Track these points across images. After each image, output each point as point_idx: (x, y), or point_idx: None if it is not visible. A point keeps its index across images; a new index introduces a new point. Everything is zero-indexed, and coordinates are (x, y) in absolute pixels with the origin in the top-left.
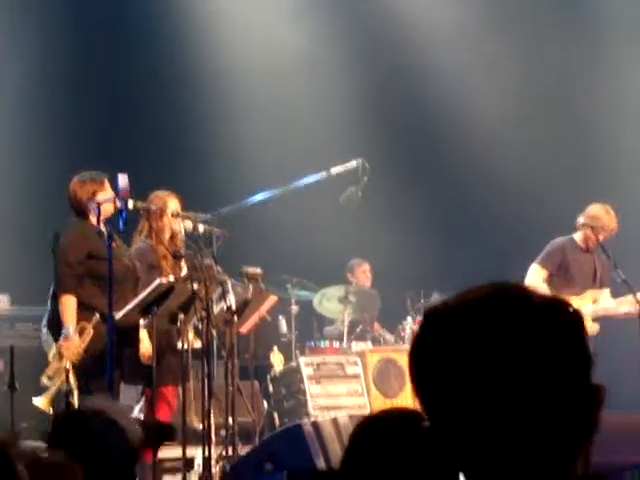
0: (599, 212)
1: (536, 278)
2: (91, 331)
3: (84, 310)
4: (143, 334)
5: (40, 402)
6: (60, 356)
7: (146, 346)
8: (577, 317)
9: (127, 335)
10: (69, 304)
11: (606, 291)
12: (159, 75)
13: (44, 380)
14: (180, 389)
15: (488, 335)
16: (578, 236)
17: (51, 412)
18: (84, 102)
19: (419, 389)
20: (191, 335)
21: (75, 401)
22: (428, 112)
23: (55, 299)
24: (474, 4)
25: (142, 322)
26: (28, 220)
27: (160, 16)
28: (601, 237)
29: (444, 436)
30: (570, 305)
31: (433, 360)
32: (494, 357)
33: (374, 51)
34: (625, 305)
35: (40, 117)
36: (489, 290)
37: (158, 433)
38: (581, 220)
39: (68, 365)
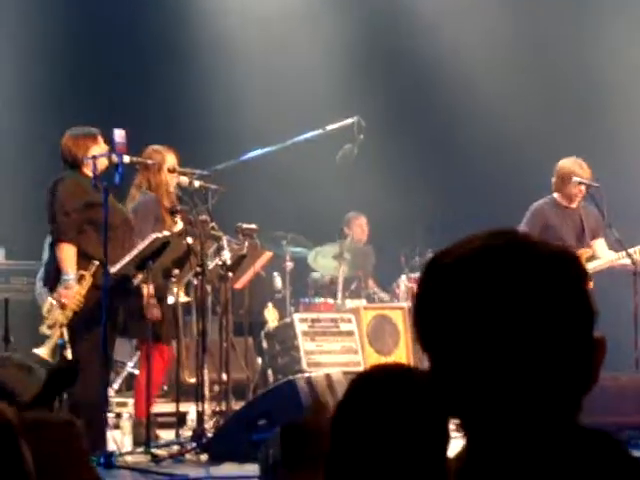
0: (571, 166)
1: None
2: (90, 279)
3: (82, 259)
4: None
5: (42, 352)
6: (60, 305)
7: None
8: (581, 267)
9: (122, 288)
10: (68, 252)
11: (600, 241)
12: (155, 30)
13: (44, 329)
14: (174, 344)
15: (492, 283)
16: (558, 195)
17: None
18: (82, 56)
19: (422, 336)
20: (177, 289)
21: (69, 354)
22: (423, 61)
23: (52, 250)
24: None
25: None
26: (22, 174)
27: None
28: (585, 189)
29: (445, 383)
30: (574, 255)
31: (437, 307)
32: (498, 305)
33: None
34: (621, 259)
35: (37, 68)
36: (494, 238)
37: (61, 376)
38: (558, 178)
39: (68, 314)
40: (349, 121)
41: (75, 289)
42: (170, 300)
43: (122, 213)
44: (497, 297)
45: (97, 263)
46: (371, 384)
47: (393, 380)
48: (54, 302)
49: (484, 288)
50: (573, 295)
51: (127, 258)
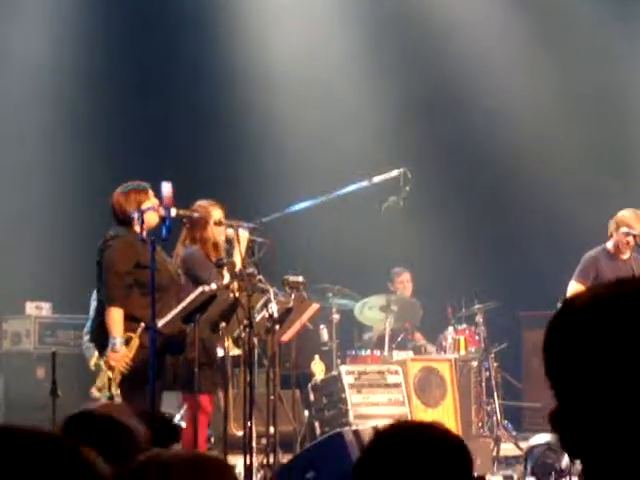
0: (628, 216)
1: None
2: (137, 341)
3: (130, 321)
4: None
5: None
6: (109, 367)
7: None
8: None
9: (171, 343)
10: (117, 316)
11: None
12: (202, 90)
13: (94, 392)
14: (219, 397)
15: (627, 332)
16: (610, 244)
17: None
18: (131, 113)
19: (551, 375)
20: (229, 342)
21: None
22: (474, 123)
23: (100, 309)
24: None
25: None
26: (70, 229)
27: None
28: (632, 241)
29: (573, 423)
30: None
31: (573, 349)
32: (630, 354)
33: (418, 59)
34: None
35: (88, 128)
36: (626, 285)
37: (164, 432)
38: (611, 227)
39: (116, 375)
40: (395, 173)
41: (123, 351)
42: (220, 352)
43: (170, 273)
44: (626, 344)
45: (143, 325)
46: (390, 441)
47: (416, 435)
48: (103, 365)
49: (620, 333)
50: None
51: (174, 312)
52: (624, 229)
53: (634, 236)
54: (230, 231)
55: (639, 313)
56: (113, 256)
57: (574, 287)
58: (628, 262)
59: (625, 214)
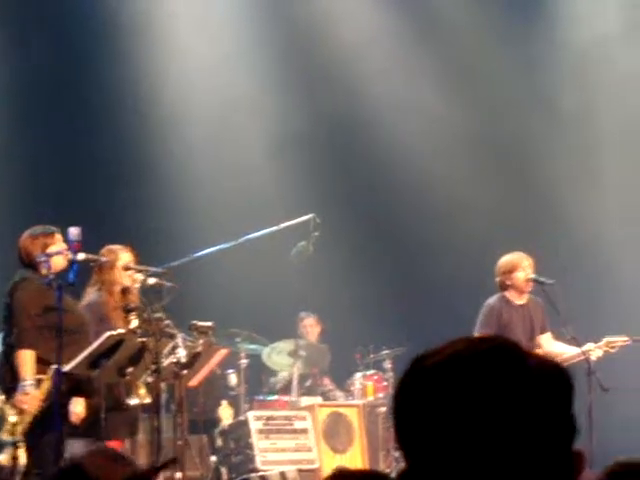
0: (509, 261)
1: None
2: (48, 383)
3: (41, 364)
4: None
5: (2, 458)
6: (19, 411)
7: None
8: (570, 385)
9: (78, 388)
10: (28, 358)
11: (547, 335)
12: (115, 134)
13: (4, 436)
14: (128, 443)
15: (480, 391)
16: (508, 291)
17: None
18: (38, 155)
19: (401, 436)
20: (142, 390)
21: (21, 454)
22: (385, 168)
23: (7, 352)
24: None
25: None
26: None
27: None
28: (524, 283)
29: None
30: (563, 369)
31: (418, 409)
32: (482, 414)
33: (326, 102)
34: (571, 352)
35: None
36: (480, 343)
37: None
38: (498, 278)
39: (23, 419)
40: (304, 218)
41: (34, 394)
42: (133, 401)
43: (79, 316)
44: (478, 404)
45: (55, 367)
46: None
47: None
48: (8, 409)
49: (467, 394)
50: (558, 411)
51: (81, 356)
52: (520, 273)
53: (540, 282)
54: (138, 276)
55: (487, 373)
56: (23, 298)
57: None
58: (526, 307)
59: (506, 261)
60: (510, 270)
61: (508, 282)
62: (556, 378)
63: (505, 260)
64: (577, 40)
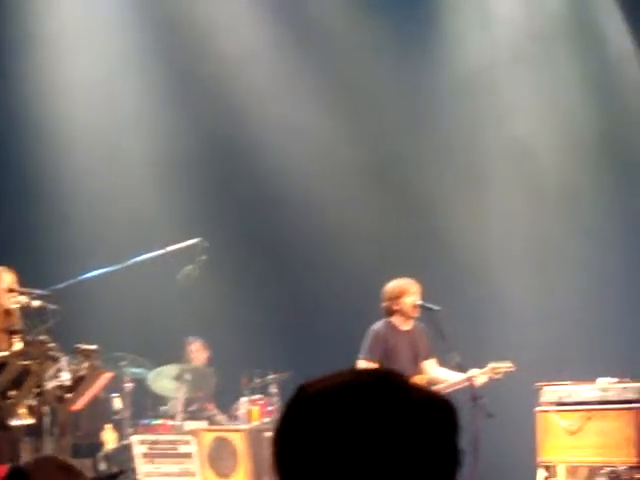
0: (397, 287)
1: None
2: None
3: None
4: None
5: None
6: None
7: None
8: (454, 418)
9: None
10: None
11: (431, 361)
12: None
13: None
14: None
15: (360, 423)
16: (394, 316)
17: None
18: None
19: (280, 463)
20: (22, 410)
21: None
22: (270, 189)
23: None
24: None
25: None
26: None
27: None
28: (411, 309)
29: None
30: (448, 404)
31: (298, 439)
32: (361, 445)
33: (210, 121)
34: (456, 378)
35: None
36: (364, 375)
37: None
38: (386, 303)
39: None
40: (191, 242)
41: None
42: (15, 422)
43: None
44: (358, 435)
45: None
46: None
47: None
48: None
49: (346, 424)
50: (440, 444)
51: None
52: (408, 299)
53: (427, 308)
54: (22, 298)
55: (368, 404)
56: None
57: (363, 366)
58: (411, 332)
59: (392, 288)
60: (398, 295)
61: (395, 307)
62: (440, 412)
63: (393, 285)
64: (465, 66)
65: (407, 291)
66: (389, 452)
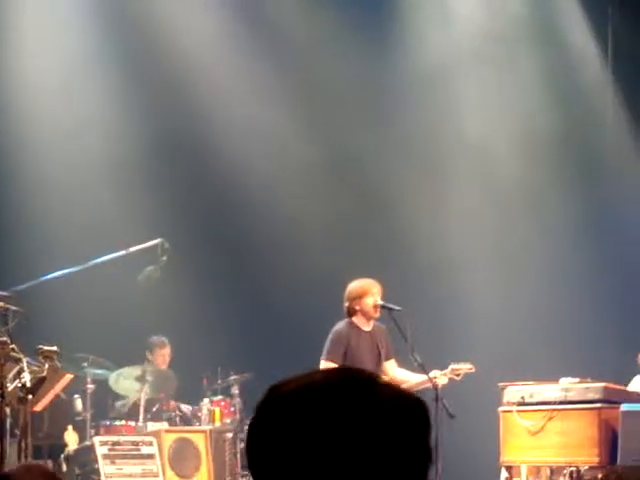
0: (359, 287)
1: None
2: None
3: None
4: None
5: None
6: None
7: None
8: (425, 416)
9: None
10: None
11: (391, 362)
12: None
13: None
14: None
15: (330, 422)
16: (356, 317)
17: None
18: None
19: (252, 461)
20: None
21: None
22: (230, 189)
23: None
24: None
25: None
26: None
27: None
28: (372, 309)
29: None
30: (419, 402)
31: (270, 438)
32: (333, 444)
33: (169, 120)
34: (417, 379)
35: None
36: (334, 374)
37: None
38: (347, 303)
39: None
40: (153, 242)
41: None
42: None
43: None
44: (329, 434)
45: None
46: None
47: None
48: None
49: (317, 423)
50: (410, 443)
51: None
52: (369, 299)
53: (389, 308)
54: None
55: (338, 403)
56: None
57: (325, 366)
58: (372, 333)
59: (353, 287)
60: (360, 296)
61: (357, 307)
62: (411, 409)
63: (354, 286)
64: (425, 63)
65: (368, 291)
66: (361, 450)
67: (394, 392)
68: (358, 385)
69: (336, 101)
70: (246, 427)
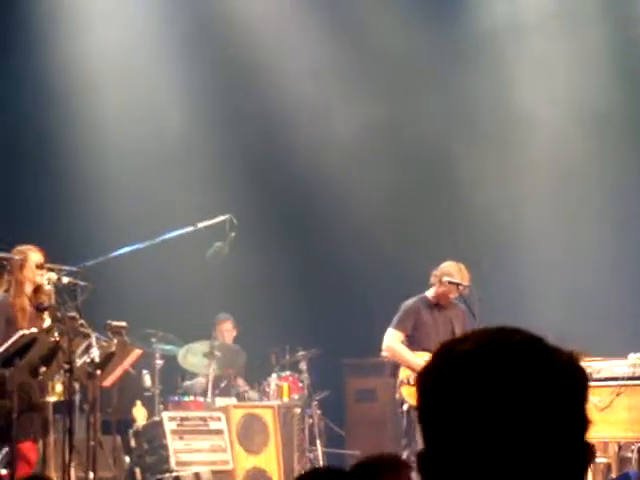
0: (451, 269)
1: (394, 341)
2: None
3: None
4: None
5: None
6: None
7: None
8: (586, 377)
9: None
10: None
11: None
12: (24, 135)
13: None
14: (40, 443)
15: (505, 382)
16: (430, 292)
17: None
18: None
19: (424, 418)
20: (59, 387)
21: None
22: (299, 170)
23: None
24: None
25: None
26: None
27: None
28: (453, 294)
29: (437, 466)
30: (579, 364)
31: (445, 394)
32: (506, 404)
33: (245, 106)
34: None
35: None
36: (507, 333)
37: None
38: (434, 276)
39: None
40: (221, 218)
41: None
42: (51, 399)
43: None
44: (503, 395)
45: None
46: None
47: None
48: None
49: (492, 384)
50: (577, 403)
51: None
52: (446, 278)
53: (457, 286)
54: (52, 275)
55: (515, 364)
56: None
57: (392, 335)
58: (448, 312)
59: (449, 265)
60: (443, 275)
61: (437, 284)
62: (576, 373)
63: (443, 265)
64: (490, 33)
65: (450, 273)
66: (531, 409)
67: (563, 356)
68: (532, 346)
69: (393, 65)
70: (314, 403)
